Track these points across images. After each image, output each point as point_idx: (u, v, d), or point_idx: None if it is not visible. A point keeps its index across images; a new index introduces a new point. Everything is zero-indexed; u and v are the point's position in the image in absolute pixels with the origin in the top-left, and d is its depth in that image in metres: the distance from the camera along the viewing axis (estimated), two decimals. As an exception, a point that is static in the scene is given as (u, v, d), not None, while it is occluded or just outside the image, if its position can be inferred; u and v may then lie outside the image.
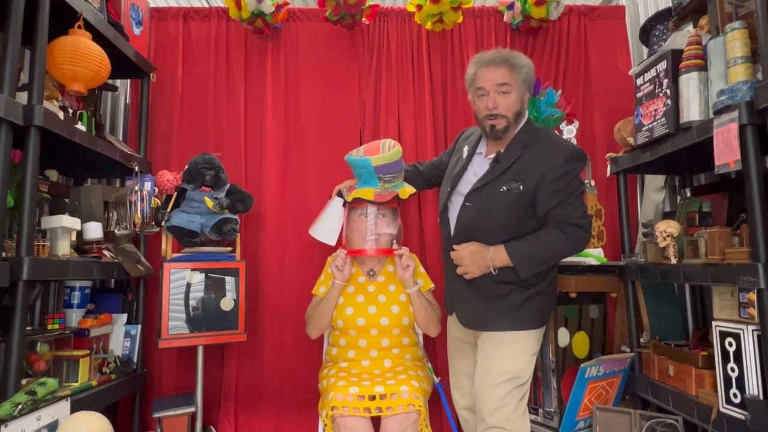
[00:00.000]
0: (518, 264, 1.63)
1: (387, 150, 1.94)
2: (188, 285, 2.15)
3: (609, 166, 2.20)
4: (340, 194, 2.08)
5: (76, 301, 2.07)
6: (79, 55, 1.78)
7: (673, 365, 1.82)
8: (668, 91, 1.77)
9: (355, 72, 2.63)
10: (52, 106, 1.78)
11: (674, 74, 1.76)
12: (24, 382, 1.55)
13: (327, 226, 2.11)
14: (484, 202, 1.70)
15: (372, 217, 2.00)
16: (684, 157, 1.88)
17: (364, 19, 2.52)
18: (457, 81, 2.58)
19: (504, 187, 1.67)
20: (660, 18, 2.15)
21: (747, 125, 1.41)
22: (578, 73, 2.66)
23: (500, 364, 1.66)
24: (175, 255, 2.22)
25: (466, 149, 1.86)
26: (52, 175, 2.14)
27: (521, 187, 1.65)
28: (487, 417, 1.64)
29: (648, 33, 2.24)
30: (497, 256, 1.65)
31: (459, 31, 2.64)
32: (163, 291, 2.11)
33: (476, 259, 1.68)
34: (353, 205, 2.04)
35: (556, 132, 2.28)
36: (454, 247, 1.74)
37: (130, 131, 2.57)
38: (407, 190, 2.02)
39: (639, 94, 1.97)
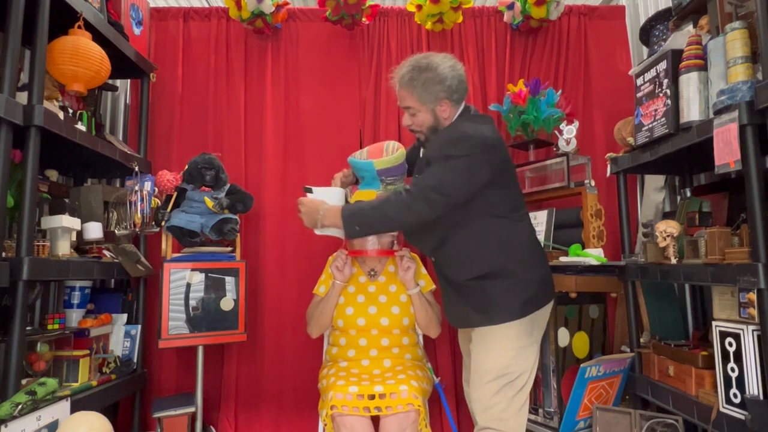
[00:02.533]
0: (345, 220, 1.61)
1: (390, 153, 1.94)
2: (188, 285, 2.15)
3: (609, 166, 2.20)
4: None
5: (76, 301, 2.07)
6: (79, 55, 1.78)
7: (673, 365, 1.82)
8: (668, 91, 1.77)
9: (355, 72, 2.63)
10: (52, 106, 1.78)
11: (674, 74, 1.76)
12: (24, 382, 1.56)
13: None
14: None
15: None
16: (684, 157, 1.88)
17: (364, 19, 2.52)
18: (457, 81, 2.58)
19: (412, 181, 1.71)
20: (660, 18, 2.15)
21: (747, 125, 1.41)
22: (578, 73, 2.66)
23: (487, 362, 1.63)
24: (175, 255, 2.22)
25: (422, 152, 1.85)
26: (52, 175, 2.14)
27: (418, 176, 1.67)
28: (479, 417, 1.64)
29: (648, 33, 2.24)
30: (330, 214, 1.66)
31: (459, 31, 2.64)
32: (163, 291, 2.11)
33: (308, 211, 1.70)
34: None
35: (557, 132, 2.28)
36: (300, 199, 1.77)
37: (130, 131, 2.57)
38: None
39: (639, 94, 1.97)
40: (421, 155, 1.82)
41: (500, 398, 1.60)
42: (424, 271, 2.14)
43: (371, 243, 1.97)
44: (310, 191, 1.90)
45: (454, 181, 1.55)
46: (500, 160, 1.64)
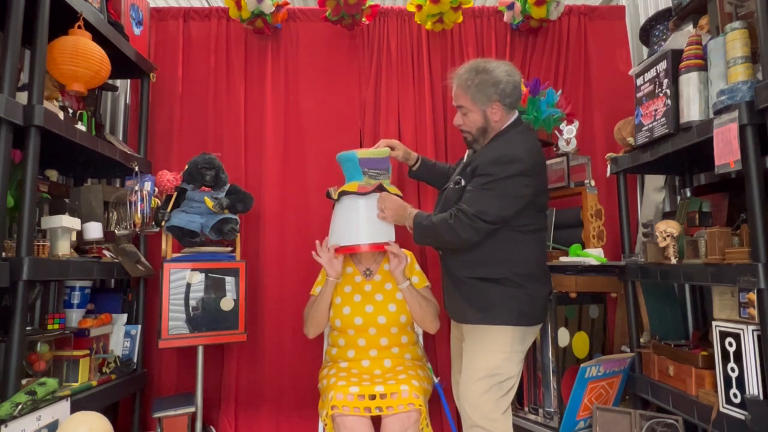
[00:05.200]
0: (414, 229, 1.78)
1: (374, 148, 2.03)
2: (188, 285, 2.15)
3: (609, 166, 2.20)
4: (329, 195, 2.08)
5: (76, 301, 2.07)
6: (79, 55, 1.78)
7: (673, 365, 1.82)
8: (668, 91, 1.77)
9: (355, 72, 2.63)
10: (52, 106, 1.78)
11: (674, 74, 1.76)
12: (24, 382, 1.56)
13: (340, 229, 2.01)
14: (441, 202, 1.84)
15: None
16: (684, 157, 1.88)
17: (364, 19, 2.52)
18: (457, 81, 2.58)
19: (452, 183, 1.78)
20: (660, 18, 2.15)
21: (747, 125, 1.41)
22: (578, 73, 2.66)
23: (479, 360, 1.67)
24: (175, 255, 2.22)
25: (466, 155, 1.90)
26: (52, 175, 2.14)
27: (462, 181, 1.73)
28: (470, 413, 1.67)
29: (648, 33, 2.24)
30: (410, 216, 1.81)
31: (459, 31, 2.64)
32: (163, 291, 2.11)
33: (395, 208, 1.86)
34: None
35: (557, 132, 2.28)
36: (382, 194, 1.92)
37: (130, 131, 2.57)
38: (393, 189, 2.00)
39: (639, 94, 1.97)
40: (465, 157, 1.89)
41: (488, 398, 1.64)
42: (417, 268, 2.14)
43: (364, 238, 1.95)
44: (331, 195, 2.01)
45: (497, 207, 1.63)
46: (541, 183, 1.72)
